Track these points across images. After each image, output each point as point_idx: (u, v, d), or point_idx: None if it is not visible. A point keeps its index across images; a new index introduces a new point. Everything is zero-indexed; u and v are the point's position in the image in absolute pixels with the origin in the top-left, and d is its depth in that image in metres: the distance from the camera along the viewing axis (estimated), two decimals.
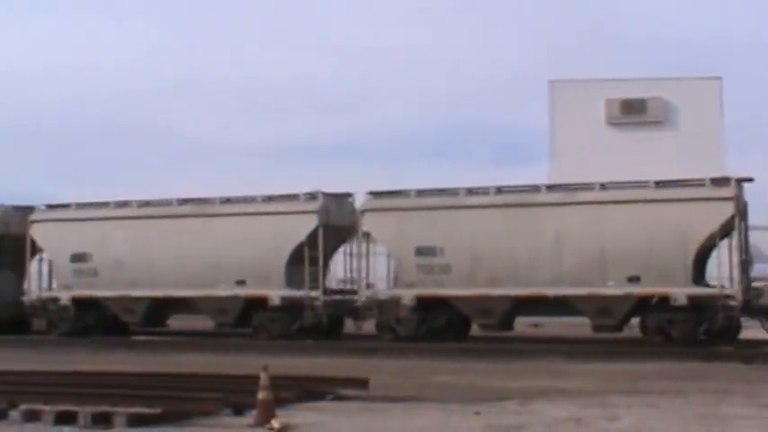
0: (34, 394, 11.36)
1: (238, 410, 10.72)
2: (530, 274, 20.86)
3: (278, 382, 10.95)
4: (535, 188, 21.93)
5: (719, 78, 40.36)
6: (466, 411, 11.01)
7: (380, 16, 77.99)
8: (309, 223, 22.95)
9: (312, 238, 22.83)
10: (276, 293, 22.93)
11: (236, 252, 23.30)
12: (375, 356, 18.99)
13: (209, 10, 77.79)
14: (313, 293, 22.67)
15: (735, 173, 21.84)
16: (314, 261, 22.83)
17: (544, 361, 17.95)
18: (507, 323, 21.90)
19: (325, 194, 23.29)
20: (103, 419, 10.24)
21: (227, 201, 24.23)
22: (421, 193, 22.38)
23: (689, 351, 18.59)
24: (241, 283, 23.27)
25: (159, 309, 24.90)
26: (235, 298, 23.40)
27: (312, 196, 23.26)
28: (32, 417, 10.56)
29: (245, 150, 73.24)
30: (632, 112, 40.22)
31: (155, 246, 24.25)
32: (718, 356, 17.83)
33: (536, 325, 26.69)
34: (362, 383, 12.27)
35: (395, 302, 21.93)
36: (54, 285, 26.22)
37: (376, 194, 22.82)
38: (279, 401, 10.62)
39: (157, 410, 10.43)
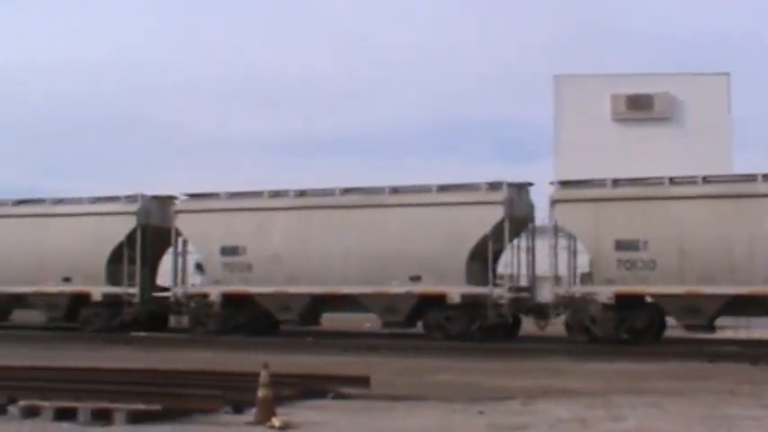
0: (33, 390, 11.29)
1: (238, 408, 10.64)
2: (747, 270, 19.24)
3: (279, 380, 10.88)
4: (750, 177, 20.22)
5: (727, 74, 40.22)
6: (469, 410, 10.92)
7: (383, 12, 77.96)
8: (494, 215, 21.36)
9: (498, 231, 21.39)
10: (456, 290, 21.32)
11: (409, 246, 21.71)
12: (377, 354, 18.91)
13: (210, 6, 77.74)
14: (497, 291, 21.35)
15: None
16: (494, 255, 21.56)
17: (548, 360, 17.87)
18: (711, 324, 20.24)
19: (511, 184, 21.70)
20: (103, 416, 10.19)
21: (396, 190, 22.65)
22: (617, 182, 20.88)
23: (694, 351, 18.48)
24: (415, 279, 21.80)
25: (318, 306, 23.33)
26: (408, 295, 21.81)
27: (494, 186, 21.67)
28: (32, 413, 10.52)
29: (246, 145, 73.26)
30: (638, 107, 40.09)
31: (316, 239, 22.74)
32: (723, 357, 17.71)
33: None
34: (364, 381, 12.18)
35: (589, 300, 20.46)
36: (192, 280, 25.11)
37: (567, 184, 21.44)
38: (279, 399, 10.54)
39: (157, 407, 10.38)
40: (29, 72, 73.95)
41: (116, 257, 24.54)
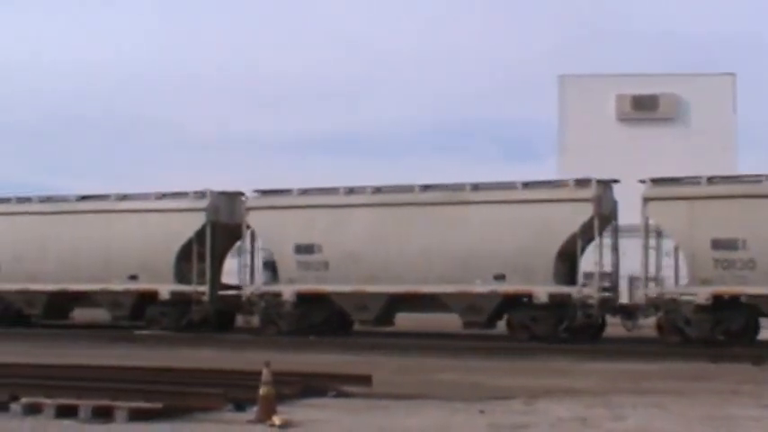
0: (35, 387, 11.34)
1: (240, 406, 10.66)
2: None
3: (280, 378, 10.88)
4: None
5: (733, 75, 40.10)
6: (470, 410, 10.92)
7: (386, 11, 77.89)
8: (583, 213, 20.67)
9: (586, 229, 20.67)
10: (543, 290, 20.65)
11: (493, 244, 21.02)
12: (379, 353, 18.90)
13: (210, 5, 77.81)
14: (586, 290, 20.61)
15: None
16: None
17: (550, 360, 17.85)
18: None
19: (599, 181, 21.03)
20: (104, 413, 10.23)
21: (478, 187, 21.88)
22: (711, 180, 20.20)
23: (697, 351, 18.43)
24: (499, 278, 21.06)
25: (395, 306, 22.54)
26: (492, 295, 21.09)
27: (583, 183, 20.99)
28: (33, 410, 10.57)
29: (246, 144, 73.29)
30: (643, 108, 40.00)
31: (395, 236, 21.98)
32: (725, 357, 17.66)
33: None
34: (365, 380, 12.19)
35: (682, 301, 19.83)
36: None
37: (660, 181, 20.60)
38: (281, 397, 10.54)
39: (158, 405, 10.41)
40: (29, 70, 74.05)
41: (184, 255, 23.70)
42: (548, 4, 71.37)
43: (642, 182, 20.75)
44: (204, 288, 23.43)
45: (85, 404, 10.34)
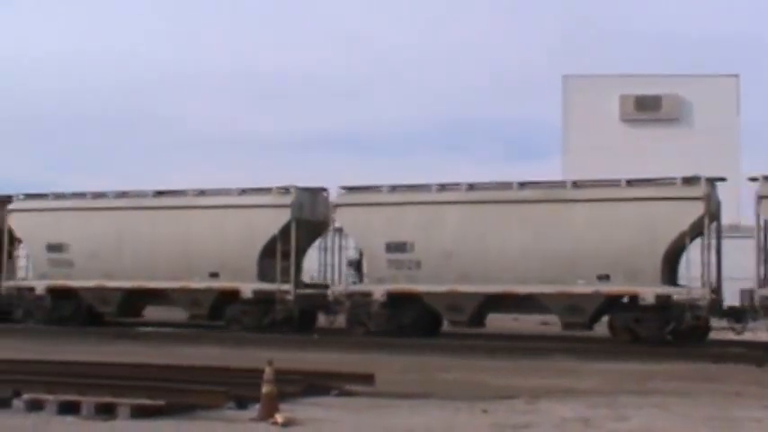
0: (38, 383, 11.32)
1: (242, 404, 10.64)
2: None
3: (283, 377, 10.87)
4: None
5: (737, 76, 40.08)
6: (473, 409, 10.90)
7: (389, 9, 77.86)
8: (693, 211, 19.99)
9: (695, 228, 20.08)
10: (650, 290, 19.95)
11: (596, 243, 20.36)
12: (382, 352, 18.87)
13: (212, 3, 77.78)
14: (697, 291, 19.96)
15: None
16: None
17: (553, 360, 17.82)
18: None
19: (708, 179, 20.39)
20: (106, 410, 10.22)
21: (578, 185, 21.36)
22: None
23: (699, 352, 18.41)
24: (603, 278, 20.39)
25: (490, 306, 21.95)
26: (595, 295, 20.45)
27: (691, 180, 20.34)
28: (36, 406, 10.56)
29: (249, 142, 73.28)
30: (647, 108, 40.00)
31: (491, 235, 21.33)
32: (729, 358, 17.63)
33: (545, 323, 26.46)
34: (368, 379, 12.17)
35: None
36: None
37: None
38: (283, 396, 10.53)
39: (161, 402, 10.39)
40: (32, 67, 74.09)
41: (267, 252, 23.02)
42: (552, 3, 71.36)
43: (754, 179, 20.14)
44: (289, 287, 22.83)
45: (88, 401, 10.33)
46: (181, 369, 13.44)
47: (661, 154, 35.77)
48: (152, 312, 26.37)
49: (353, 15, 75.76)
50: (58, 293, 25.23)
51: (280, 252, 22.90)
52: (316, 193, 23.86)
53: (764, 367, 16.55)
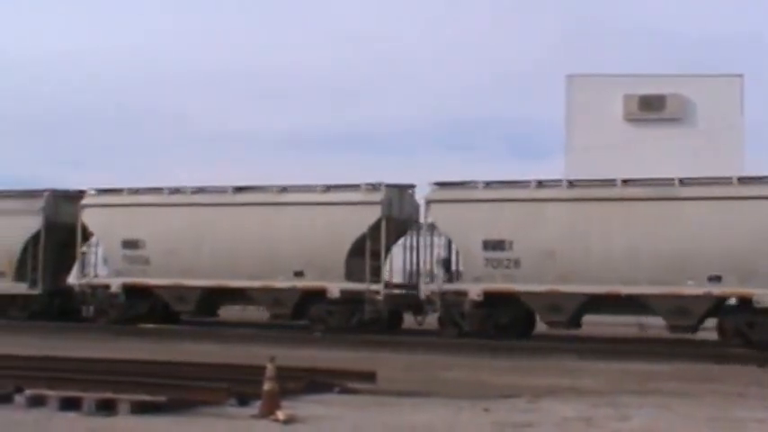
0: (40, 379, 11.33)
1: (243, 401, 10.64)
2: None
3: (285, 374, 10.86)
4: None
5: (741, 76, 40.00)
6: (475, 408, 10.89)
7: (393, 7, 77.81)
8: None
9: None
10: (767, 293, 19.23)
11: (708, 243, 19.67)
12: (384, 350, 18.87)
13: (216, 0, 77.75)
14: None
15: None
16: None
17: (555, 359, 17.79)
18: None
19: None
20: (107, 406, 10.22)
21: (685, 182, 20.68)
22: None
23: (702, 352, 18.38)
24: (714, 279, 19.73)
25: (589, 306, 21.15)
26: (705, 297, 19.80)
27: None
28: (37, 402, 10.57)
29: (253, 139, 73.27)
30: (650, 108, 39.90)
31: (596, 234, 20.64)
32: (731, 359, 17.60)
33: None
34: (370, 377, 12.17)
35: None
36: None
37: None
38: (285, 393, 10.52)
39: (162, 399, 10.39)
40: (36, 63, 74.10)
41: (355, 251, 22.28)
42: (555, 2, 71.26)
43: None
44: (378, 286, 22.10)
45: (89, 397, 10.33)
46: (182, 366, 13.45)
47: (665, 153, 35.70)
48: (228, 312, 25.66)
49: (356, 14, 75.74)
50: (133, 291, 24.43)
51: (369, 251, 22.18)
52: (403, 190, 23.25)
53: (766, 368, 16.53)
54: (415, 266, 23.37)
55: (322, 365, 13.53)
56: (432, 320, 22.67)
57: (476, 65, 75.26)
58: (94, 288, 24.89)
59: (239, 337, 21.45)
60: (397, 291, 22.88)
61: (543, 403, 11.38)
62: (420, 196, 23.08)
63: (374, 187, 22.57)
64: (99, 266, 25.61)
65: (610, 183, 21.08)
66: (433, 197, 22.15)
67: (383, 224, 22.17)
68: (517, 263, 20.93)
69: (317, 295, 22.60)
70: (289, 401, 10.50)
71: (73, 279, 25.86)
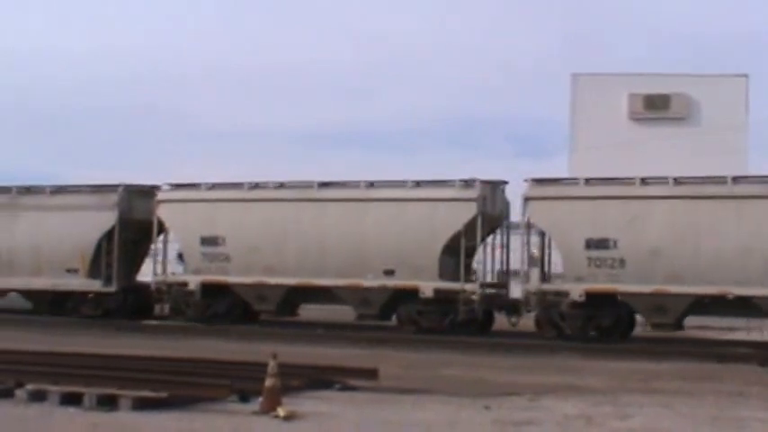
0: (41, 374, 11.38)
1: (244, 397, 10.65)
2: None
3: (286, 370, 10.86)
4: None
5: (746, 76, 39.93)
6: (475, 405, 10.89)
7: (399, 6, 77.81)
8: None
9: None
10: None
11: None
12: (385, 347, 18.88)
13: None
14: None
15: None
16: None
17: (556, 357, 17.79)
18: None
19: None
20: (109, 401, 10.24)
21: None
22: None
23: (704, 351, 18.35)
24: None
25: (695, 307, 20.36)
26: None
27: None
28: (39, 396, 10.59)
29: (261, 136, 73.33)
30: (655, 107, 39.86)
31: (706, 232, 19.83)
32: (733, 358, 17.58)
33: None
34: (371, 374, 12.17)
35: None
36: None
37: None
38: (286, 389, 10.54)
39: (163, 394, 10.41)
40: (42, 58, 74.17)
41: (448, 249, 21.39)
42: (561, 1, 71.17)
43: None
44: (474, 286, 21.33)
45: (90, 392, 10.35)
46: (184, 362, 13.48)
47: (669, 153, 35.65)
48: (309, 312, 24.92)
49: (363, 12, 75.77)
50: (211, 290, 23.46)
51: (463, 248, 21.38)
52: (495, 186, 22.41)
53: (767, 367, 16.51)
54: (504, 265, 22.61)
55: (323, 362, 13.55)
56: (526, 322, 21.82)
57: (481, 64, 75.29)
58: (170, 286, 23.91)
59: (241, 333, 21.44)
60: (490, 290, 22.02)
61: (544, 401, 11.38)
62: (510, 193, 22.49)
63: (469, 183, 21.72)
64: (172, 263, 25.05)
65: (718, 180, 20.24)
66: (532, 194, 21.30)
67: (479, 221, 21.35)
68: (622, 262, 20.17)
69: (407, 295, 21.83)
70: (290, 398, 10.50)
71: (149, 276, 24.94)
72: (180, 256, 24.79)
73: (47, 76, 72.58)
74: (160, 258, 24.70)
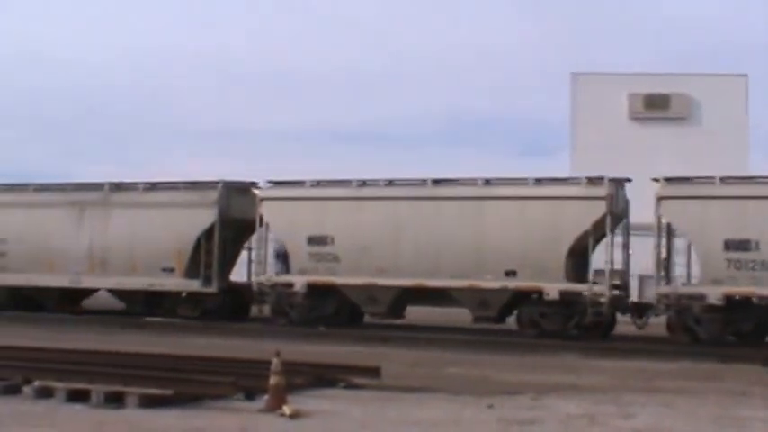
0: (48, 371, 11.42)
1: (250, 395, 10.70)
2: None
3: (290, 368, 10.92)
4: None
5: (745, 76, 40.02)
6: (479, 404, 10.95)
7: (403, 7, 77.85)
8: None
9: None
10: None
11: None
12: (389, 346, 18.93)
13: None
14: None
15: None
16: None
17: (558, 356, 17.83)
18: None
19: None
20: (115, 398, 10.30)
21: None
22: None
23: (706, 351, 18.39)
24: None
25: None
26: None
27: None
28: (45, 393, 10.67)
29: (263, 135, 73.37)
30: (655, 107, 39.94)
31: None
32: (735, 358, 17.62)
33: None
34: (375, 372, 12.23)
35: None
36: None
37: None
38: (291, 387, 10.59)
39: (169, 392, 10.46)
40: (42, 55, 74.12)
41: (573, 249, 20.68)
42: (562, 1, 71.22)
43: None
44: (603, 288, 20.38)
45: (97, 389, 10.43)
46: (190, 359, 13.53)
47: (669, 152, 35.73)
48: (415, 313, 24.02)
49: (367, 13, 75.80)
50: (316, 291, 22.58)
51: (591, 248, 20.68)
52: (620, 184, 21.57)
53: None
54: (624, 266, 21.64)
55: (327, 360, 13.60)
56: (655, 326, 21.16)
57: (482, 63, 75.31)
58: (273, 286, 23.01)
59: (245, 331, 21.48)
60: (617, 292, 21.03)
61: (547, 400, 11.43)
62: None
63: (596, 181, 20.88)
64: (271, 263, 23.80)
65: None
66: (665, 193, 20.40)
67: (608, 220, 20.55)
68: (764, 264, 19.28)
69: (526, 297, 21.18)
70: (295, 396, 10.56)
71: (237, 276, 24.41)
72: (277, 256, 23.75)
73: (40, 74, 72.52)
74: (262, 257, 23.46)
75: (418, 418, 9.97)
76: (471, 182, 21.91)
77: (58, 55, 73.82)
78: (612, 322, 21.42)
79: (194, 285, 23.73)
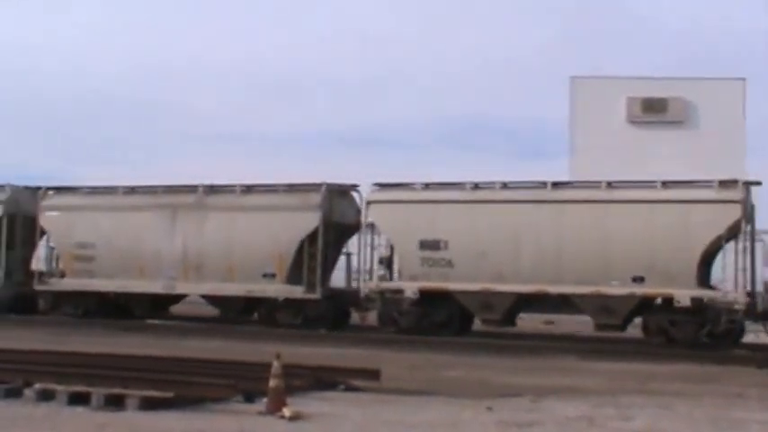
0: (49, 374, 11.45)
1: (250, 397, 10.75)
2: None
3: (290, 371, 10.97)
4: None
5: (743, 79, 40.10)
6: (477, 407, 10.98)
7: (400, 8, 77.84)
8: None
9: None
10: None
11: None
12: (387, 349, 18.98)
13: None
14: None
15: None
16: None
17: (557, 358, 17.90)
18: None
19: None
20: (116, 401, 10.32)
21: None
22: None
23: (703, 354, 18.47)
24: None
25: None
26: None
27: None
28: (46, 396, 10.67)
29: (261, 138, 73.37)
30: (653, 110, 40.00)
31: None
32: (732, 360, 17.70)
33: (549, 322, 26.59)
34: (374, 375, 12.27)
35: None
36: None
37: None
38: (290, 390, 10.62)
39: (169, 394, 10.50)
40: (42, 54, 74.12)
41: (705, 254, 20.13)
42: (561, 3, 71.32)
43: None
44: (739, 295, 19.63)
45: (98, 392, 10.44)
46: (190, 362, 13.56)
47: (667, 156, 35.81)
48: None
49: (364, 15, 75.82)
50: (429, 297, 21.95)
51: (725, 254, 20.09)
52: (749, 187, 20.84)
53: (766, 369, 16.62)
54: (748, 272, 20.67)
55: (327, 363, 13.64)
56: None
57: (480, 66, 75.39)
58: (381, 293, 22.39)
59: (245, 333, 21.51)
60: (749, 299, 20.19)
61: (546, 403, 11.47)
62: None
63: (729, 184, 20.34)
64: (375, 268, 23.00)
65: None
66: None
67: (743, 225, 19.93)
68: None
69: (651, 304, 20.70)
70: (294, 398, 10.59)
71: (353, 282, 23.72)
72: (381, 261, 22.90)
73: (40, 73, 72.45)
74: (368, 263, 22.85)
75: (417, 421, 10.00)
76: (593, 185, 21.46)
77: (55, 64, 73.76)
78: (742, 330, 20.76)
79: (297, 292, 22.93)
